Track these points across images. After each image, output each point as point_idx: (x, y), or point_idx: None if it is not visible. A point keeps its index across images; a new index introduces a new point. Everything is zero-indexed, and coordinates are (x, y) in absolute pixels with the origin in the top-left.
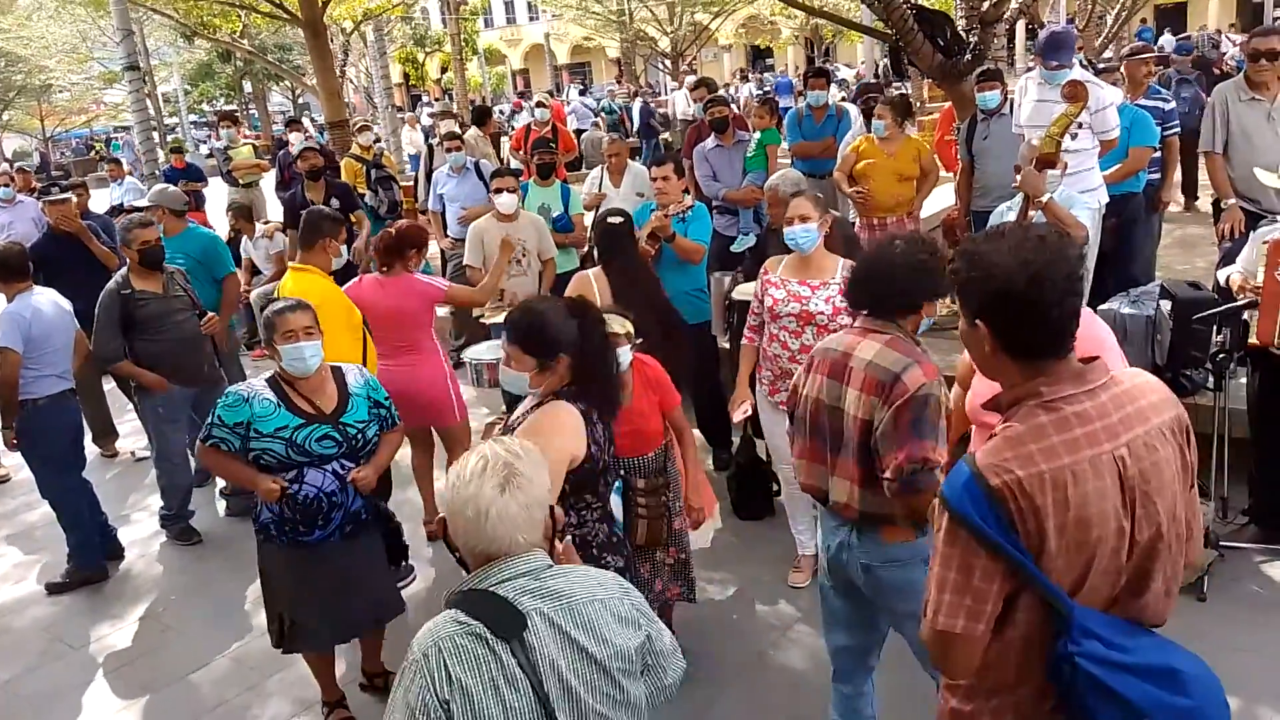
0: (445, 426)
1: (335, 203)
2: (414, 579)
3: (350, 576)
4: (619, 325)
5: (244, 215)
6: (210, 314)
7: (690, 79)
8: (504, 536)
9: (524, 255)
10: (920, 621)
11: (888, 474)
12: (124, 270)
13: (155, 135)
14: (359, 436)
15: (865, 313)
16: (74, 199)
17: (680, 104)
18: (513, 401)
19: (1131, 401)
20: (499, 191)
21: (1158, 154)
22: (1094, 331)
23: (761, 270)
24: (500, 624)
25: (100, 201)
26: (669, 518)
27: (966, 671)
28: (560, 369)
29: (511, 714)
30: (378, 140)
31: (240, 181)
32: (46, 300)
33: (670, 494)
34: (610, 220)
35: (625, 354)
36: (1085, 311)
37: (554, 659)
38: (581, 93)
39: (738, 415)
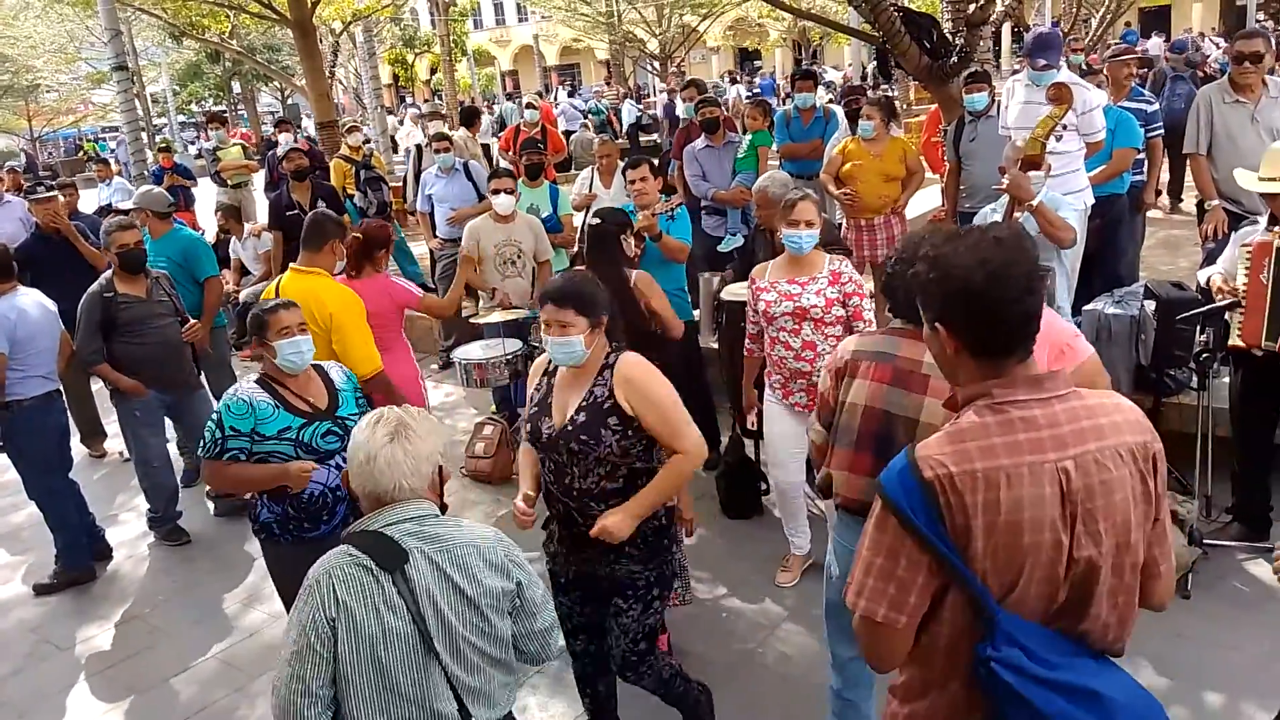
0: None
1: (321, 204)
2: None
3: None
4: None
5: (233, 215)
6: (192, 321)
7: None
8: (390, 481)
9: (519, 257)
10: None
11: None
12: (108, 273)
13: (144, 136)
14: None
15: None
16: (61, 198)
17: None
18: (503, 400)
19: (1090, 416)
20: (496, 193)
21: (1141, 155)
22: (1057, 326)
23: (749, 279)
24: (384, 558)
25: (89, 202)
26: None
27: (889, 662)
28: (602, 329)
29: (390, 633)
30: (367, 141)
31: (229, 182)
32: (31, 301)
33: None
34: (591, 220)
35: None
36: (1047, 312)
37: (430, 590)
38: (570, 94)
39: (750, 422)
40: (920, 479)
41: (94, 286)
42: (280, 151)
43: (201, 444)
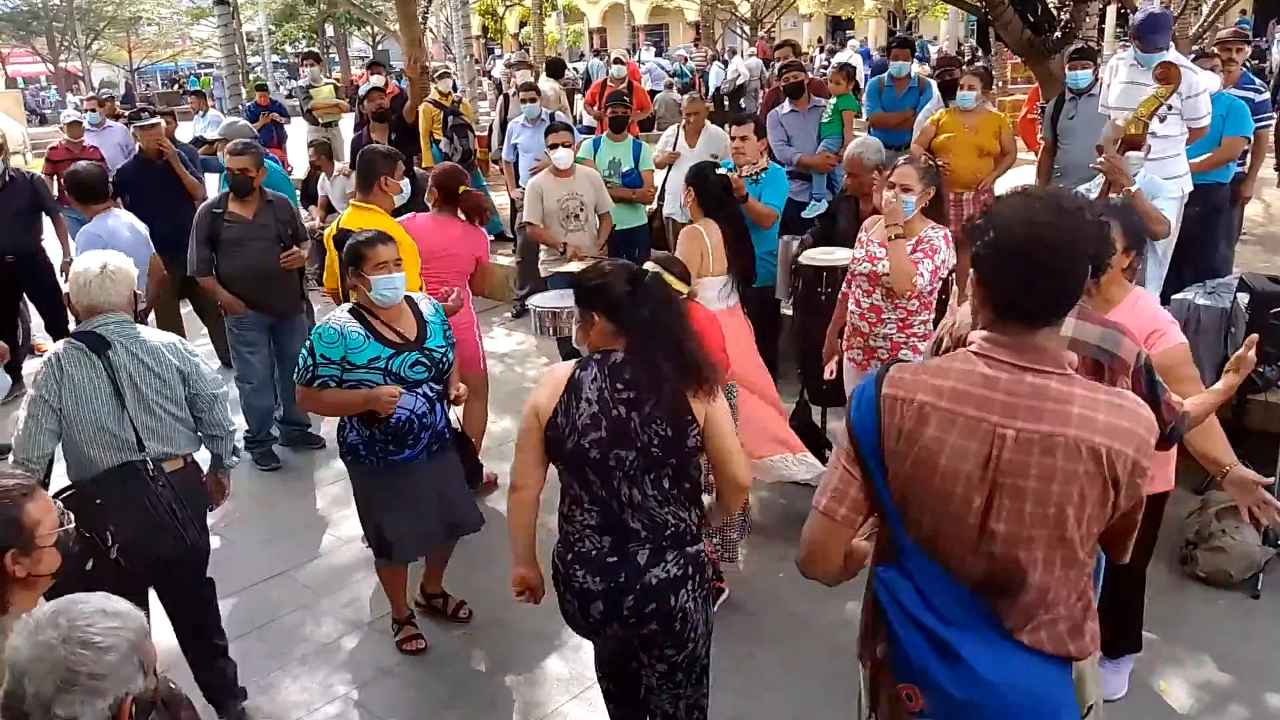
0: (468, 374)
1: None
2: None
3: (436, 491)
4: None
5: (324, 152)
6: (293, 249)
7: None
8: (99, 299)
9: (581, 210)
10: None
11: (1159, 447)
12: (225, 191)
13: (240, 73)
14: (444, 360)
15: None
16: (163, 124)
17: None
18: (569, 353)
19: (1060, 400)
20: (554, 147)
21: (1248, 146)
22: (1148, 311)
23: (862, 227)
24: (94, 345)
25: (184, 133)
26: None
27: (816, 565)
28: (596, 331)
29: (95, 391)
30: (455, 88)
31: (320, 121)
32: (123, 223)
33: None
34: (718, 172)
35: None
36: (1144, 296)
37: (125, 365)
38: (657, 54)
39: (829, 371)
40: (877, 393)
41: (208, 201)
42: (362, 92)
43: (296, 370)
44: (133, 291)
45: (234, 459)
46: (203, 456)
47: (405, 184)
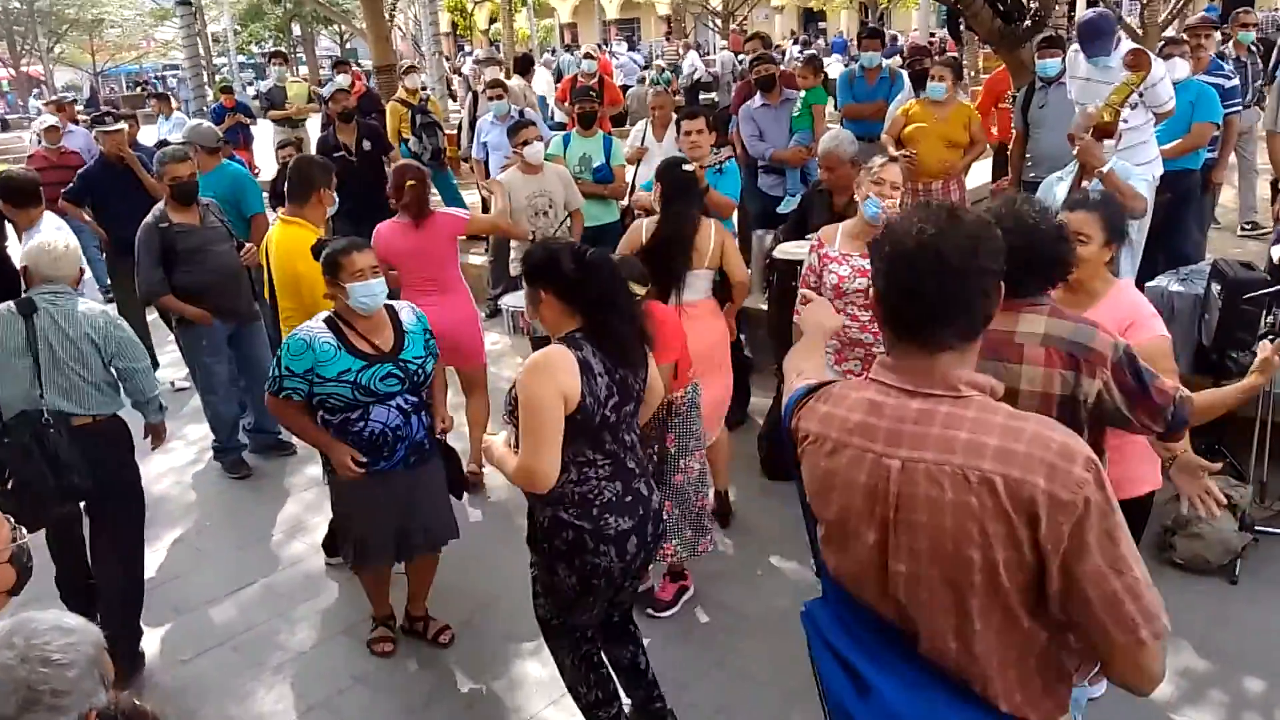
0: (470, 368)
1: (367, 144)
2: None
3: (412, 500)
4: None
5: (298, 150)
6: (248, 244)
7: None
8: (47, 271)
9: (550, 207)
10: None
11: (1156, 429)
12: (161, 204)
13: (204, 74)
14: (419, 371)
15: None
16: (126, 129)
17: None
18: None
19: (950, 426)
20: (525, 143)
21: (1216, 132)
22: (1128, 301)
23: (815, 243)
24: (24, 309)
25: (148, 136)
26: (661, 471)
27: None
28: (545, 307)
29: (16, 349)
30: (424, 88)
31: (294, 120)
32: (59, 225)
33: (672, 450)
34: (685, 168)
35: None
36: (1127, 287)
37: (45, 330)
38: (629, 49)
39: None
40: (788, 424)
41: (148, 219)
42: (327, 92)
43: (267, 381)
44: (79, 269)
45: (159, 415)
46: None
47: (335, 196)
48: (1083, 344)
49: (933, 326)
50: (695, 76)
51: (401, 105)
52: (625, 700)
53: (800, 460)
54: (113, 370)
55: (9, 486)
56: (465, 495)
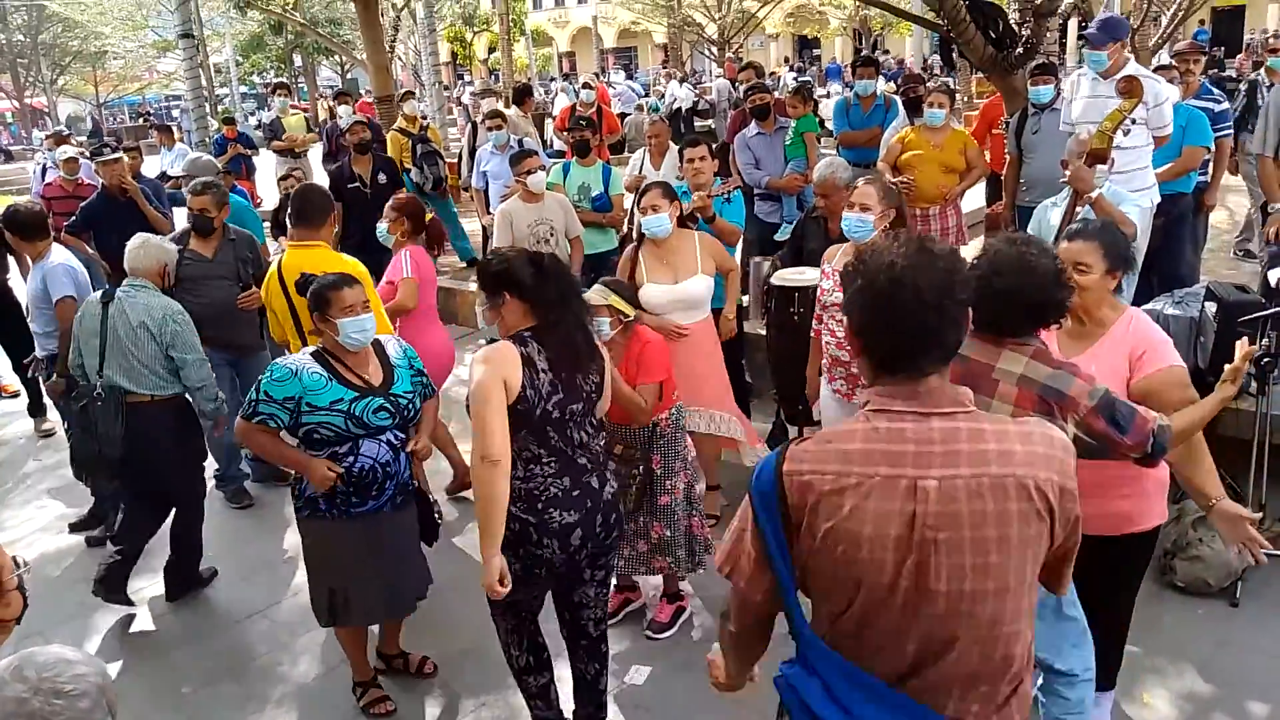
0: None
1: (382, 177)
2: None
3: (401, 547)
4: (600, 297)
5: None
6: (253, 289)
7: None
8: (132, 265)
9: (552, 235)
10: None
11: (1134, 457)
12: (186, 228)
13: (206, 105)
14: (409, 407)
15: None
16: (126, 159)
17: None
18: None
19: (974, 440)
20: (529, 172)
21: (1208, 155)
22: (1141, 331)
23: (823, 258)
24: (105, 297)
25: (150, 168)
26: (648, 491)
27: (737, 621)
28: (508, 310)
29: (91, 326)
30: (423, 116)
31: (296, 152)
32: (66, 257)
33: (658, 472)
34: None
35: (603, 325)
36: (1139, 315)
37: (113, 316)
38: (627, 77)
39: (817, 411)
40: (777, 472)
41: (169, 237)
42: (343, 123)
43: (246, 400)
44: (162, 265)
45: (211, 405)
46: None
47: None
48: (1057, 389)
49: (913, 358)
50: (675, 105)
51: (401, 135)
52: (568, 706)
53: (805, 519)
54: (171, 358)
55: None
56: (461, 526)
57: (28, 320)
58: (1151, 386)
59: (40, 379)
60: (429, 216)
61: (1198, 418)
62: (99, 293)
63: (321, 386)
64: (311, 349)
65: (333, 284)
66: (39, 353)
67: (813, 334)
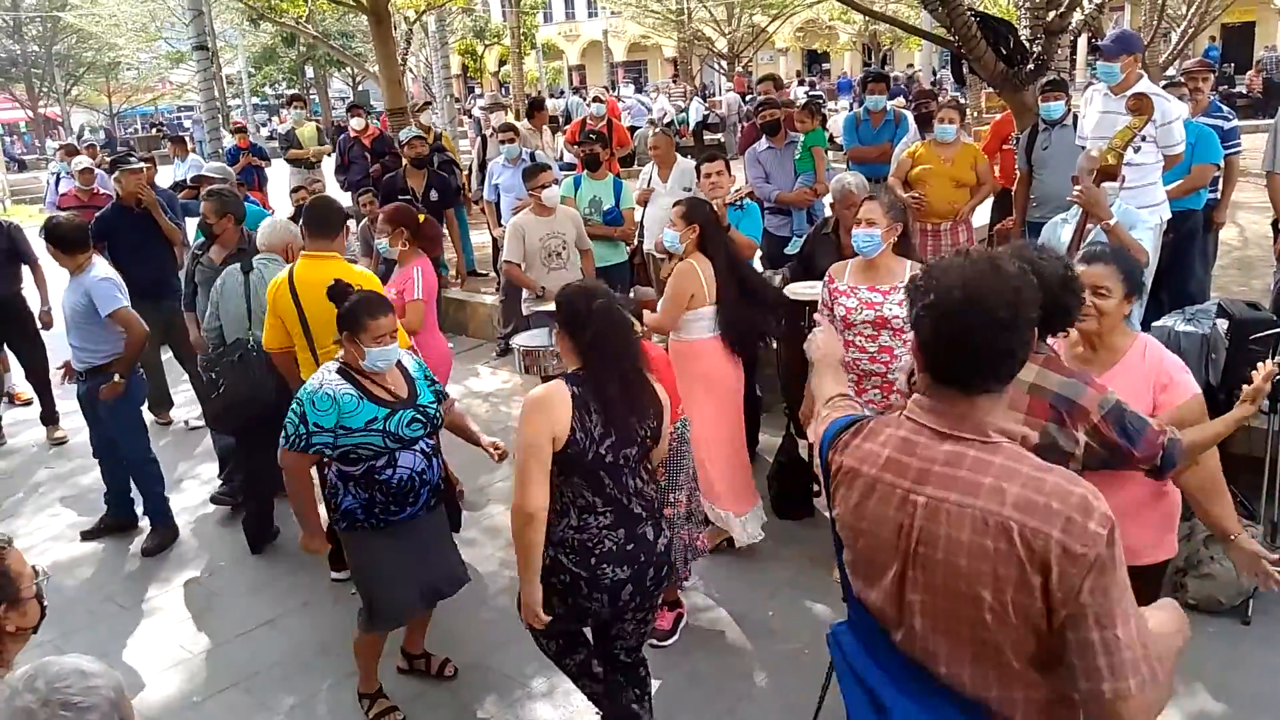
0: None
1: (434, 194)
2: None
3: (432, 546)
4: None
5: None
6: None
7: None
8: (264, 243)
9: (564, 248)
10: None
11: (1144, 470)
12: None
13: (220, 117)
14: (436, 416)
15: None
16: (147, 169)
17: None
18: None
19: (976, 470)
20: (543, 187)
21: (1217, 172)
22: (1166, 361)
23: (826, 278)
24: (245, 268)
25: (163, 179)
26: None
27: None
28: (563, 346)
29: (236, 294)
30: (436, 125)
31: (310, 163)
32: (108, 269)
33: (662, 484)
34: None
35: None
36: (1155, 345)
37: (254, 284)
38: (636, 90)
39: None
40: (830, 447)
41: (197, 242)
42: (405, 137)
43: (284, 435)
44: (286, 243)
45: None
46: None
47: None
48: (1068, 398)
49: (978, 376)
50: (665, 120)
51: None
52: None
53: (834, 492)
54: None
55: (216, 395)
56: (472, 539)
57: (66, 334)
58: (1183, 418)
59: (64, 387)
60: (421, 218)
61: (1210, 435)
62: (237, 264)
63: (354, 408)
64: (335, 365)
65: (370, 310)
66: (76, 365)
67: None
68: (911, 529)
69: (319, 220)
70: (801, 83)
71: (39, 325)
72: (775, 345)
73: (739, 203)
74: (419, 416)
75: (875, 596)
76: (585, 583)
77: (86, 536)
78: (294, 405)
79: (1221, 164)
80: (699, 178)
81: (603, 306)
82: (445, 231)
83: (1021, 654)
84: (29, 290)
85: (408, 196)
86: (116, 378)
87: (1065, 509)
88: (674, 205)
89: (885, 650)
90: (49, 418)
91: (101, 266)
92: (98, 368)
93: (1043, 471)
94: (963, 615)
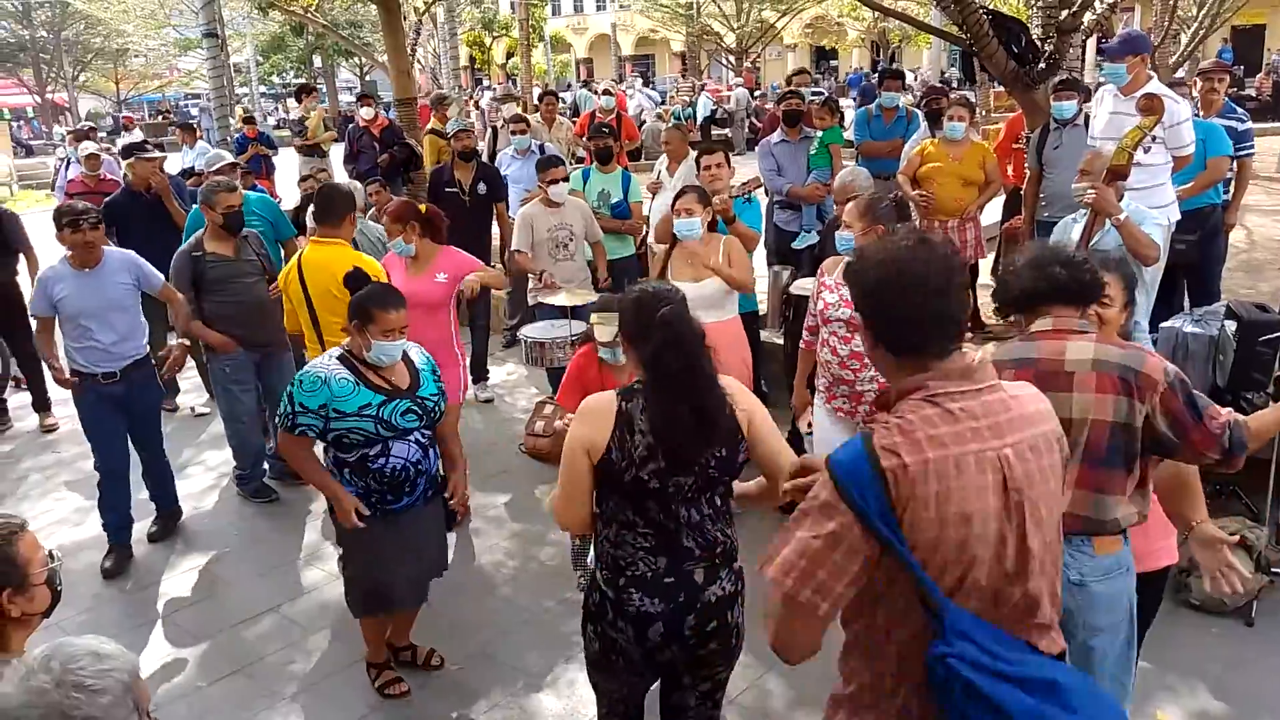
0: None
1: (482, 187)
2: None
3: (425, 537)
4: (605, 333)
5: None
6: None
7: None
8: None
9: (571, 240)
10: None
11: (1212, 456)
12: (199, 233)
13: (228, 105)
14: (435, 409)
15: (1045, 313)
16: (163, 157)
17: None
18: (556, 381)
19: (1018, 406)
20: (554, 181)
21: (1230, 173)
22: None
23: (819, 271)
24: None
25: (171, 166)
26: None
27: (796, 650)
28: (626, 352)
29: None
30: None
31: (324, 149)
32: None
33: None
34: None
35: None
36: (1149, 350)
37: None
38: (644, 84)
39: (804, 424)
40: (876, 469)
41: (184, 246)
42: (452, 129)
43: (278, 416)
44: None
45: None
46: None
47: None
48: (1133, 368)
49: (938, 341)
50: (641, 116)
51: (438, 137)
52: None
53: (910, 496)
54: None
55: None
56: (476, 529)
57: (80, 335)
58: None
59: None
60: (423, 208)
61: (1273, 420)
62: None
63: (349, 392)
64: (337, 351)
65: (382, 303)
66: (109, 366)
67: (803, 345)
68: (1011, 480)
69: (324, 207)
70: (813, 81)
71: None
72: (782, 341)
73: (747, 195)
74: (415, 408)
75: (977, 575)
76: (611, 605)
77: (154, 539)
78: (289, 386)
79: (1232, 155)
80: (698, 169)
81: (669, 315)
82: (496, 225)
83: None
84: (24, 278)
85: (454, 190)
86: (184, 342)
87: (1049, 406)
88: (686, 194)
89: (1008, 642)
90: (41, 405)
91: (113, 248)
92: (139, 361)
93: (1022, 387)
94: (1054, 535)
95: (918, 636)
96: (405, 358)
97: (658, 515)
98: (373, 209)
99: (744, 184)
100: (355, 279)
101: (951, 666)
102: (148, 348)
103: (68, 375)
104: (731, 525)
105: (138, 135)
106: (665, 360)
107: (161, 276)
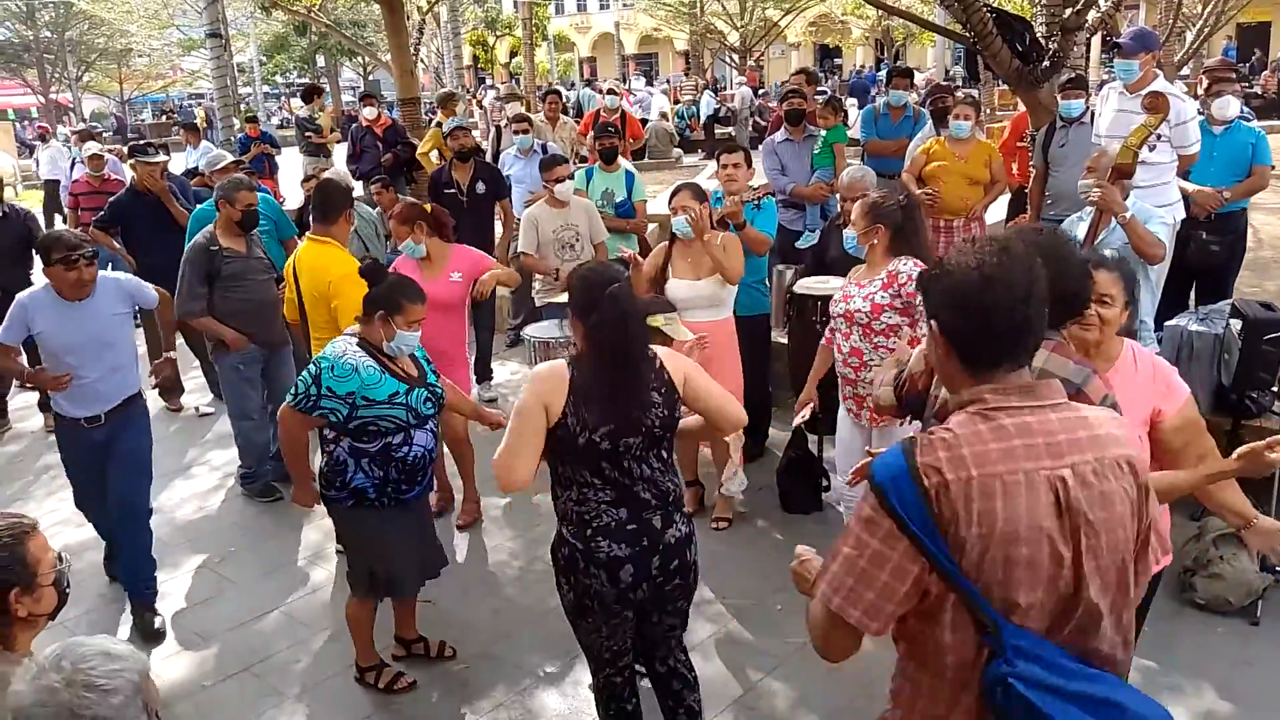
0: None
1: (481, 186)
2: None
3: (425, 524)
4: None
5: None
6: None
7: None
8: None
9: (577, 240)
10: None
11: None
12: (211, 227)
13: (232, 105)
14: (442, 397)
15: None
16: (164, 161)
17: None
18: None
19: (1086, 427)
20: (558, 180)
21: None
22: (1164, 366)
23: (851, 273)
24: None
25: (174, 166)
26: None
27: (841, 655)
28: (574, 326)
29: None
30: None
31: (329, 149)
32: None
33: None
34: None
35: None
36: (1140, 348)
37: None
38: (647, 83)
39: (798, 419)
40: (918, 486)
41: (199, 240)
42: (448, 129)
43: (292, 393)
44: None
45: None
46: None
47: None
48: (1076, 384)
49: (1012, 353)
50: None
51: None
52: None
53: (955, 514)
54: None
55: None
56: (485, 528)
57: (80, 369)
58: (1188, 416)
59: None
60: (428, 208)
61: (1178, 485)
62: (376, 209)
63: (377, 381)
64: (354, 339)
65: (411, 295)
66: (108, 404)
67: (824, 341)
68: (1069, 501)
69: (317, 205)
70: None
71: None
72: (787, 340)
73: (757, 202)
74: (430, 396)
75: (1045, 599)
76: (582, 555)
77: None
78: (309, 367)
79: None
80: (717, 167)
81: (614, 293)
82: (501, 224)
83: (1137, 578)
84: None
85: (452, 190)
86: (171, 355)
87: (1128, 432)
88: (681, 190)
89: (1067, 658)
90: (44, 405)
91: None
92: (129, 399)
93: (1098, 410)
94: (1118, 563)
95: (973, 657)
96: None
97: (612, 473)
98: (377, 209)
99: (755, 190)
100: (372, 271)
101: (1013, 687)
102: (139, 385)
103: (48, 374)
104: (678, 475)
105: (94, 147)
106: (606, 332)
107: (153, 290)
